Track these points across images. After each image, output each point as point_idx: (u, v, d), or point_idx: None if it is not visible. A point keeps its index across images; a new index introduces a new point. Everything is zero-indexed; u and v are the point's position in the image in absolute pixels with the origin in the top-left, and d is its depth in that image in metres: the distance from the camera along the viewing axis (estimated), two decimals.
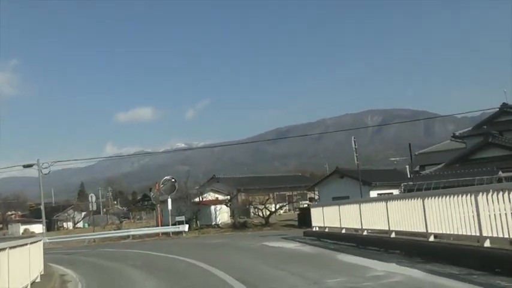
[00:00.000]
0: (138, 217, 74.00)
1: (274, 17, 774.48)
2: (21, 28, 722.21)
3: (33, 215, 72.08)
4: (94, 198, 36.46)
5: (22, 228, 65.18)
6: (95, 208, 35.90)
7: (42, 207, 37.22)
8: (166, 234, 33.77)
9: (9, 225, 65.65)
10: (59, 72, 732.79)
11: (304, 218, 26.20)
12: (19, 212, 71.07)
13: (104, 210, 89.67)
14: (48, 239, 36.83)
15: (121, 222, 49.34)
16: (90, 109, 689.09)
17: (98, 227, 67.34)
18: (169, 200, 34.08)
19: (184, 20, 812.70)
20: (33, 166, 37.44)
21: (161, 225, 35.40)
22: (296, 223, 31.30)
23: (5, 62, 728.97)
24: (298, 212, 33.72)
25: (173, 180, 35.03)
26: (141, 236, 34.66)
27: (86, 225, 72.20)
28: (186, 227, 32.44)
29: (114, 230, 41.07)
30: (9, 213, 67.61)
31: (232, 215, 38.66)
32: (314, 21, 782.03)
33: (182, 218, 33.65)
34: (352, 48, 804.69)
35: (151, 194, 34.09)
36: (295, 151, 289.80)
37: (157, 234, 34.33)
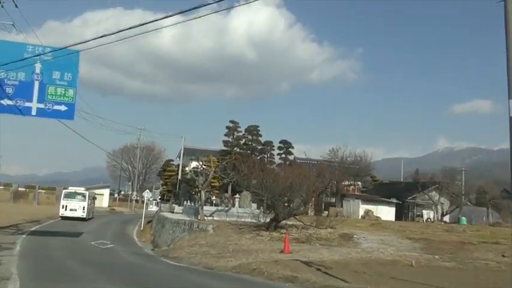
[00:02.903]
0: None
1: None
2: (368, 21, 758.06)
3: (376, 191, 47.82)
4: None
5: (363, 208, 41.18)
6: None
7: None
8: None
9: (344, 201, 42.34)
10: (396, 64, 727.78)
11: None
12: (359, 184, 47.15)
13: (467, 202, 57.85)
14: None
15: None
16: (426, 99, 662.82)
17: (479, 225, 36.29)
18: None
19: None
20: None
21: None
22: None
23: (352, 50, 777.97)
24: None
25: None
26: None
27: (464, 220, 41.67)
28: None
29: None
30: (347, 182, 44.19)
31: None
32: None
33: None
34: None
35: None
36: None
37: None
